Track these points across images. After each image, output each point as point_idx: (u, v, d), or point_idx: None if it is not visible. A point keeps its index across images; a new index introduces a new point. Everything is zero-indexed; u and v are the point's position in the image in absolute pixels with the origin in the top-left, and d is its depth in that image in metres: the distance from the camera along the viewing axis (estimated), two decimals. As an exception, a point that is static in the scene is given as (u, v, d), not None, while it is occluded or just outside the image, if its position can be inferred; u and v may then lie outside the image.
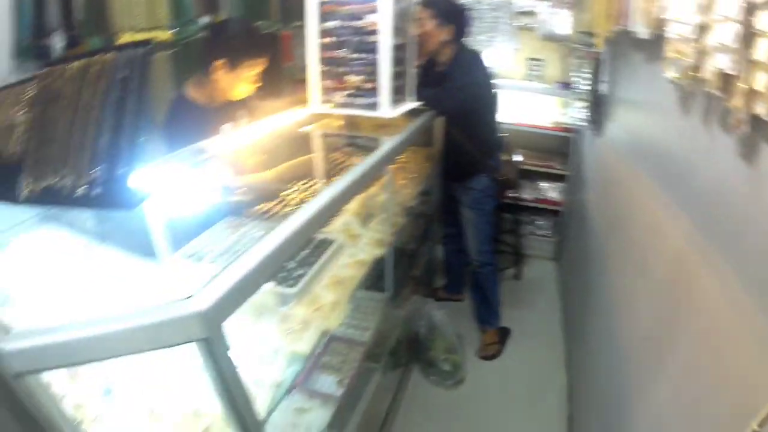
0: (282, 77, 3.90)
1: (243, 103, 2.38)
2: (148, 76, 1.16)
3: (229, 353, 0.94)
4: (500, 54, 4.59)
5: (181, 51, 3.03)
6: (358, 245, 2.12)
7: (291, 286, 1.71)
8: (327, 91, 2.52)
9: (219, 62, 2.17)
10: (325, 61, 2.48)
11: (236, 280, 0.94)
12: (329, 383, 2.09)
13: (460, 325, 3.58)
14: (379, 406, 2.81)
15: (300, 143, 2.59)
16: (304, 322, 1.65)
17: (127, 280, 1.85)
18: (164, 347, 0.86)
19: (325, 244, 2.00)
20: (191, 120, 2.23)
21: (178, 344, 0.86)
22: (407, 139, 2.28)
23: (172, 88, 2.94)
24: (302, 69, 4.11)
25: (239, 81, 2.26)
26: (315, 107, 2.56)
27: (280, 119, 2.41)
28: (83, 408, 1.28)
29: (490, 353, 3.55)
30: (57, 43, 2.43)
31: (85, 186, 1.20)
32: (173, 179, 1.67)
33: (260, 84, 2.35)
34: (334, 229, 2.12)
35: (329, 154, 2.55)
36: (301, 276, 1.77)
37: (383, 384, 2.79)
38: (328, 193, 1.45)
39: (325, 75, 2.51)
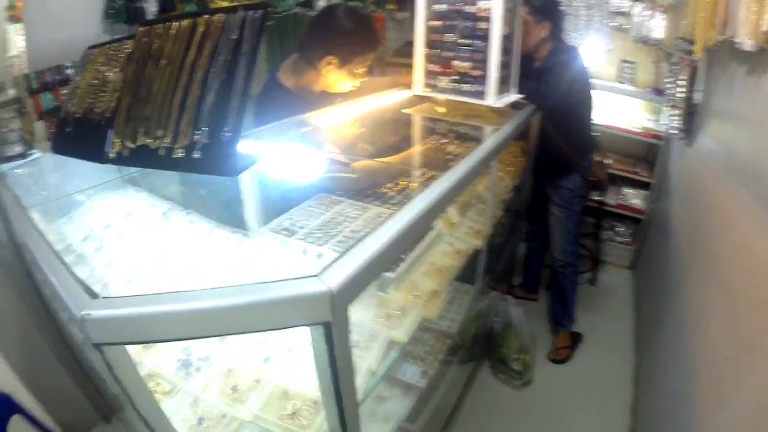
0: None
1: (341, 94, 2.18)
2: (260, 40, 1.03)
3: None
4: (593, 53, 4.25)
5: (275, 26, 2.85)
6: (456, 234, 1.96)
7: (390, 270, 1.56)
8: (431, 74, 2.35)
9: (329, 57, 1.95)
10: (432, 45, 2.31)
11: (363, 263, 0.83)
12: (413, 373, 1.93)
13: (532, 325, 3.33)
14: (448, 400, 2.63)
15: (401, 124, 2.43)
16: (403, 308, 1.51)
17: (215, 249, 1.77)
18: (281, 328, 0.80)
19: (424, 230, 1.81)
20: (282, 107, 2.03)
21: (299, 325, 0.76)
22: (513, 131, 2.11)
23: (262, 63, 2.80)
24: (392, 53, 3.90)
25: (349, 77, 2.05)
26: (418, 89, 2.40)
27: (381, 99, 2.28)
28: (156, 378, 1.25)
29: (560, 357, 3.31)
30: (150, 6, 2.35)
31: (184, 148, 1.06)
32: (269, 150, 1.51)
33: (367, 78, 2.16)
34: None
35: (431, 138, 2.35)
36: (400, 260, 1.62)
37: (454, 378, 2.63)
38: (445, 181, 1.32)
39: (430, 58, 2.33)
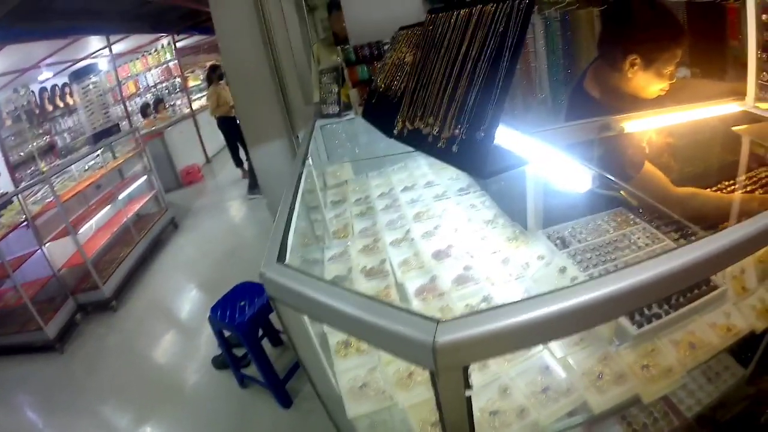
0: (726, 57, 3.14)
1: (655, 101, 1.86)
2: (525, 33, 0.95)
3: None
4: None
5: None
6: (740, 304, 1.49)
7: (637, 323, 1.32)
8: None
9: (632, 57, 1.72)
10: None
11: (503, 327, 0.67)
12: None
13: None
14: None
15: (723, 146, 2.01)
16: (620, 375, 1.26)
17: (485, 236, 1.83)
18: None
19: (705, 286, 1.45)
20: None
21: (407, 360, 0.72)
22: None
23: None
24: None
25: (655, 79, 1.76)
26: (749, 104, 1.85)
27: (702, 112, 1.85)
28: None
29: None
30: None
31: (446, 140, 1.07)
32: (550, 152, 1.38)
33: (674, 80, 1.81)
34: (726, 271, 1.54)
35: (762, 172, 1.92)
36: (654, 317, 1.34)
37: None
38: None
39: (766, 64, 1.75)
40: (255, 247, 5.60)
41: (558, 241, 1.69)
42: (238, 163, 8.17)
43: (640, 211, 1.77)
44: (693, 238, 1.59)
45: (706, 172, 1.97)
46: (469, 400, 0.72)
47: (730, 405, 1.89)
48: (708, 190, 1.82)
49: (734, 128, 1.93)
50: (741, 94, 1.87)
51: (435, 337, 0.64)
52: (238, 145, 7.91)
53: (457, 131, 1.04)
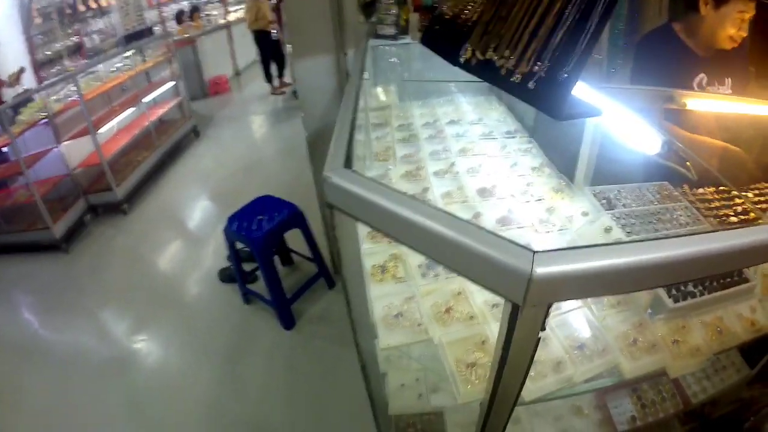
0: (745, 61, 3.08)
1: (737, 57, 1.94)
2: None
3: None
4: None
5: None
6: (765, 303, 1.57)
7: (674, 297, 1.35)
8: None
9: None
10: None
11: (603, 266, 0.64)
12: (624, 409, 1.65)
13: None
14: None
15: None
16: (653, 344, 1.29)
17: (531, 185, 1.82)
18: (479, 283, 0.68)
19: (737, 277, 1.50)
20: (669, 56, 1.91)
21: (493, 291, 0.67)
22: None
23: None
24: None
25: (724, 23, 1.83)
26: None
27: (760, 108, 1.85)
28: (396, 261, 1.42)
29: None
30: None
31: (522, 75, 1.05)
32: (621, 112, 1.38)
33: (746, 33, 1.88)
34: (759, 268, 1.59)
35: None
36: (689, 294, 1.38)
37: None
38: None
39: None
40: (276, 162, 5.64)
41: (604, 201, 1.69)
42: (269, 78, 8.20)
43: (684, 187, 1.79)
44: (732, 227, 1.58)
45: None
46: (538, 341, 0.71)
47: (722, 404, 1.94)
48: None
49: None
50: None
51: (533, 267, 0.59)
52: (271, 61, 7.94)
53: (536, 68, 1.01)
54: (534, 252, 0.61)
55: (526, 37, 1.07)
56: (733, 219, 1.73)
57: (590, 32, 0.92)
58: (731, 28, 1.87)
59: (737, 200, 1.83)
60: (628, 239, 1.48)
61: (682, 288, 1.39)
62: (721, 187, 1.88)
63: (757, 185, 1.95)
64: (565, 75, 0.95)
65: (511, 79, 1.07)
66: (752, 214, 1.77)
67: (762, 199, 1.87)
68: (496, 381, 0.78)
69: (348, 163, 0.94)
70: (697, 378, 1.67)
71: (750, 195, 1.87)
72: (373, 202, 0.79)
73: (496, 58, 1.14)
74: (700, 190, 1.83)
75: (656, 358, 1.26)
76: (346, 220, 0.92)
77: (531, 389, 1.15)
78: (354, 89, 1.44)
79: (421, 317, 1.28)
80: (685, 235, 0.69)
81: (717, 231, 0.72)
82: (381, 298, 1.34)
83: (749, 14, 1.83)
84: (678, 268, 0.68)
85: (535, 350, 0.72)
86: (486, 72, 1.18)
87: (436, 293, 1.33)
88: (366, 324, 1.25)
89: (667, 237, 0.70)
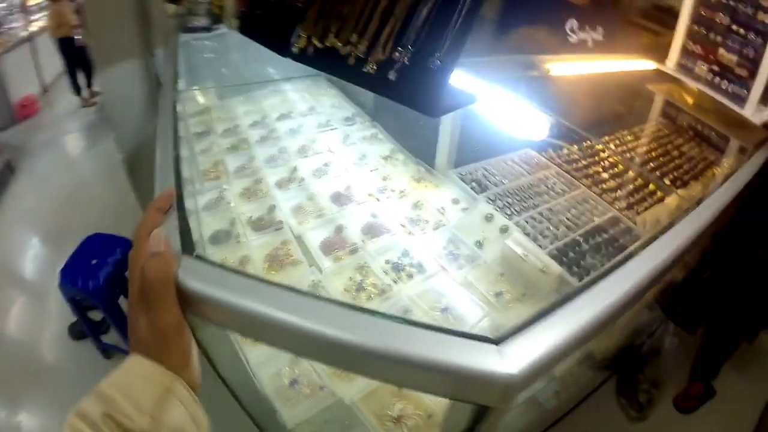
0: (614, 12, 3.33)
1: (606, 6, 1.98)
2: None
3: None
4: None
5: None
6: None
7: (577, 275, 1.29)
8: (689, 55, 1.97)
9: None
10: (698, 20, 1.91)
11: (563, 339, 0.55)
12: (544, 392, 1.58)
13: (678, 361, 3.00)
14: (562, 403, 2.32)
15: (638, 98, 2.15)
16: None
17: (389, 178, 1.67)
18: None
19: (626, 234, 1.48)
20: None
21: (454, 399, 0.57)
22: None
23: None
24: (636, 11, 3.40)
25: None
26: (668, 66, 2.02)
27: (621, 63, 1.92)
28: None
29: (687, 406, 2.91)
30: None
31: (378, 64, 0.86)
32: (483, 88, 1.24)
33: None
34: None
35: (666, 128, 2.05)
36: (592, 267, 1.33)
37: (578, 381, 2.33)
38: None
39: (692, 36, 1.95)
40: (99, 187, 5.18)
41: (473, 184, 1.57)
42: (78, 90, 7.56)
43: (548, 150, 1.76)
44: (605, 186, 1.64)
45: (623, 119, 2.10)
46: None
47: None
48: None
49: (649, 86, 2.17)
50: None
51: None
52: (78, 70, 7.39)
53: (396, 55, 0.82)
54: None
55: (377, 18, 0.88)
56: (605, 175, 1.74)
57: (464, 8, 0.75)
58: None
59: (602, 154, 1.84)
60: (508, 230, 1.39)
61: (582, 263, 1.33)
62: (585, 143, 1.89)
63: (617, 134, 1.98)
64: (438, 62, 0.77)
65: (364, 70, 0.88)
66: (621, 166, 1.79)
67: (624, 148, 1.91)
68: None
69: (187, 242, 0.66)
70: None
71: (612, 146, 1.89)
72: (238, 307, 0.56)
73: (340, 45, 0.94)
74: (565, 151, 1.80)
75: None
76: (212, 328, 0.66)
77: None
78: (168, 112, 1.14)
79: (319, 377, 1.07)
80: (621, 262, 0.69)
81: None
82: (264, 366, 1.10)
83: None
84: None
85: None
86: (328, 62, 0.97)
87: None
88: (262, 405, 1.04)
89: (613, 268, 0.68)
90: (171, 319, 0.60)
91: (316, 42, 0.99)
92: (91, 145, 6.42)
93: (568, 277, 1.26)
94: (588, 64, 1.75)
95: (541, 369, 0.50)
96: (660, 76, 2.09)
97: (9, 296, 3.82)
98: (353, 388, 1.04)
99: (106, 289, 2.46)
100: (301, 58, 1.04)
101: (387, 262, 1.30)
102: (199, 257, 0.64)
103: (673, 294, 2.79)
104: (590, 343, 1.12)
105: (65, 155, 6.36)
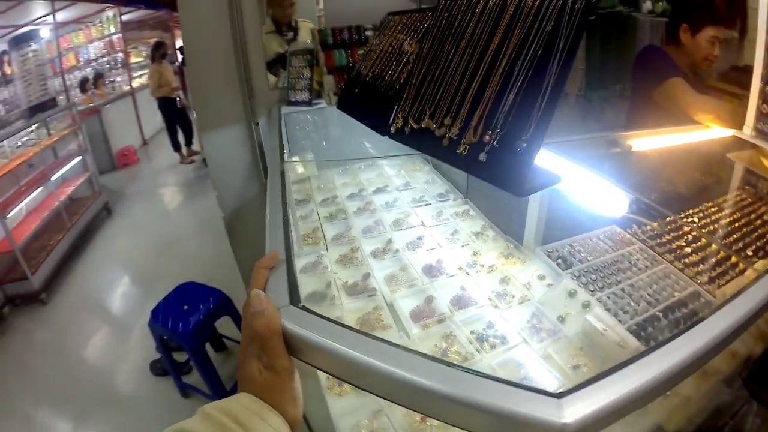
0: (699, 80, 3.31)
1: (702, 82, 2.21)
2: (581, 37, 0.83)
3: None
4: None
5: (596, 23, 2.67)
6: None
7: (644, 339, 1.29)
8: (765, 118, 1.89)
9: (683, 26, 2.10)
10: None
11: (626, 395, 0.58)
12: None
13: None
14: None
15: (721, 171, 2.10)
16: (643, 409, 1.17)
17: (480, 254, 1.71)
18: None
19: (706, 308, 1.47)
20: (660, 73, 2.17)
21: None
22: None
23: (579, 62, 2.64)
24: (720, 75, 3.37)
25: (701, 47, 2.10)
26: (745, 132, 1.95)
27: (699, 134, 1.95)
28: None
29: None
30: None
31: (469, 146, 0.91)
32: (568, 167, 1.30)
33: (715, 61, 2.17)
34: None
35: (755, 203, 1.96)
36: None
37: None
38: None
39: (765, 97, 1.86)
40: (194, 240, 5.39)
41: (559, 261, 1.59)
42: (177, 147, 7.93)
43: (633, 227, 1.74)
44: (688, 260, 1.59)
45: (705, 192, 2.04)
46: None
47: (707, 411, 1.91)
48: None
49: (729, 154, 2.07)
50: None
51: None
52: (178, 128, 7.70)
53: (486, 138, 0.88)
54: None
55: (469, 102, 0.94)
56: (687, 250, 1.70)
57: (548, 91, 0.80)
58: (703, 55, 2.11)
59: (685, 228, 1.80)
60: (589, 306, 1.40)
61: (660, 337, 1.32)
62: (668, 218, 1.86)
63: (700, 207, 1.93)
64: (524, 144, 0.82)
65: (457, 151, 0.93)
66: (703, 240, 1.74)
67: (707, 221, 1.85)
68: None
69: (294, 295, 0.77)
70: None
71: (695, 219, 1.85)
72: (340, 353, 0.65)
73: (434, 126, 1.01)
74: (648, 227, 1.78)
75: (650, 419, 1.21)
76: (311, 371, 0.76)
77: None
78: (277, 179, 1.26)
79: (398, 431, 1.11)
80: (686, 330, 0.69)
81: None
82: (345, 417, 1.15)
83: (723, 37, 2.06)
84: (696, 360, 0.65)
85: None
86: (423, 143, 1.04)
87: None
88: None
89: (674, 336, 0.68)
90: (284, 363, 0.68)
91: (412, 123, 1.07)
92: (187, 199, 6.66)
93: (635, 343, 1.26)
94: (669, 137, 1.79)
95: (598, 421, 0.54)
96: (739, 142, 2.03)
97: (95, 326, 4.08)
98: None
99: (195, 334, 2.58)
100: (397, 137, 1.12)
101: (472, 332, 1.34)
102: (305, 308, 0.73)
103: (756, 370, 2.62)
104: (661, 415, 1.13)
105: (161, 205, 6.63)
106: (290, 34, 2.46)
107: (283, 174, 1.31)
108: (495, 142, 0.86)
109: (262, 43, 2.94)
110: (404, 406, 0.62)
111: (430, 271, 1.61)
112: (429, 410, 0.61)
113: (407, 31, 1.37)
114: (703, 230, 1.79)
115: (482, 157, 0.87)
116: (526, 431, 0.53)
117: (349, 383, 0.70)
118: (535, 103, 0.82)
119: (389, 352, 0.62)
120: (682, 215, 1.85)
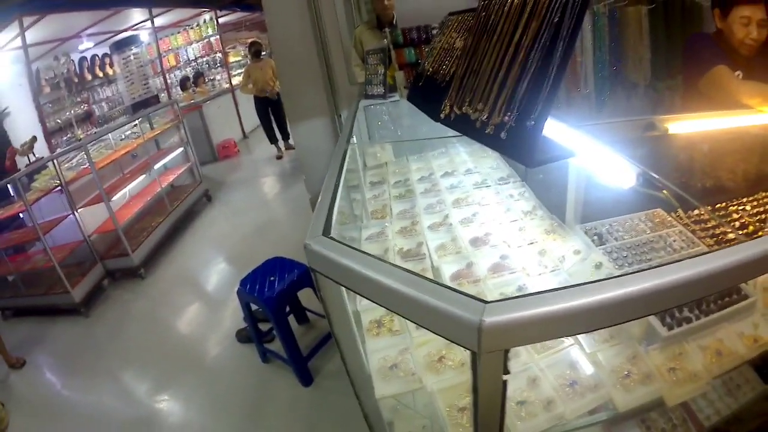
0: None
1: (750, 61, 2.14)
2: (579, 26, 0.94)
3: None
4: None
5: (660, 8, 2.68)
6: None
7: (668, 325, 1.33)
8: None
9: (715, 10, 2.13)
10: None
11: (550, 312, 0.68)
12: None
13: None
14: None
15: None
16: (647, 375, 1.27)
17: (524, 227, 1.84)
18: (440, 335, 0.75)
19: (736, 295, 1.46)
20: (708, 59, 2.15)
21: (451, 340, 0.74)
22: None
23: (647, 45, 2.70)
24: None
25: (734, 29, 2.10)
26: None
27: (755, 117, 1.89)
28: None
29: None
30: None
31: (495, 126, 1.07)
32: (597, 149, 1.39)
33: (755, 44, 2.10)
34: (758, 282, 1.52)
35: None
36: (684, 320, 1.36)
37: None
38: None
39: None
40: (286, 224, 5.66)
41: (595, 237, 1.70)
42: (273, 139, 8.21)
43: (678, 211, 1.76)
44: (728, 244, 1.56)
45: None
46: (505, 384, 0.74)
47: (746, 420, 1.87)
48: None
49: None
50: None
51: (482, 317, 0.65)
52: (272, 124, 7.96)
53: (506, 118, 1.04)
54: (485, 302, 0.67)
55: (496, 89, 1.10)
56: (731, 236, 1.67)
57: (552, 78, 0.95)
58: (741, 33, 2.09)
59: (734, 215, 1.79)
60: (605, 277, 1.47)
61: (677, 314, 1.36)
62: (718, 204, 1.84)
63: (756, 195, 1.89)
64: (532, 122, 0.97)
65: (486, 131, 1.09)
66: (751, 227, 1.72)
67: (761, 210, 1.81)
68: (475, 423, 0.81)
69: (327, 230, 1.00)
70: (710, 400, 1.59)
71: (748, 207, 1.83)
72: (344, 265, 0.87)
73: (471, 111, 1.18)
74: (696, 212, 1.78)
75: (651, 389, 1.24)
76: (328, 282, 0.99)
77: (521, 429, 1.16)
78: (340, 154, 1.50)
79: (415, 367, 1.31)
80: (647, 269, 0.73)
81: (699, 255, 0.76)
82: (377, 352, 1.38)
83: (756, 17, 2.03)
84: (631, 305, 0.70)
85: (504, 393, 0.75)
86: (463, 126, 1.21)
87: (430, 344, 1.35)
88: (364, 377, 1.29)
89: (638, 270, 0.73)
90: None
91: (456, 110, 1.25)
92: (283, 189, 6.97)
93: (656, 325, 1.33)
94: (739, 119, 1.82)
95: (515, 327, 0.66)
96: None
97: (189, 299, 4.44)
98: (437, 379, 1.27)
99: (278, 301, 2.83)
100: (446, 122, 1.31)
101: (501, 294, 1.50)
102: (332, 238, 0.98)
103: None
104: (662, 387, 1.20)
105: (258, 193, 6.98)
106: (387, 32, 2.68)
107: (344, 155, 1.54)
108: (512, 122, 1.01)
109: (357, 38, 3.20)
110: (383, 306, 0.83)
111: (476, 242, 1.78)
112: (399, 309, 0.81)
113: (460, 29, 1.54)
114: (754, 218, 1.76)
115: (503, 135, 1.03)
116: (455, 325, 0.68)
117: (358, 293, 0.92)
118: (542, 86, 0.96)
119: (384, 267, 0.83)
120: (734, 202, 1.85)
